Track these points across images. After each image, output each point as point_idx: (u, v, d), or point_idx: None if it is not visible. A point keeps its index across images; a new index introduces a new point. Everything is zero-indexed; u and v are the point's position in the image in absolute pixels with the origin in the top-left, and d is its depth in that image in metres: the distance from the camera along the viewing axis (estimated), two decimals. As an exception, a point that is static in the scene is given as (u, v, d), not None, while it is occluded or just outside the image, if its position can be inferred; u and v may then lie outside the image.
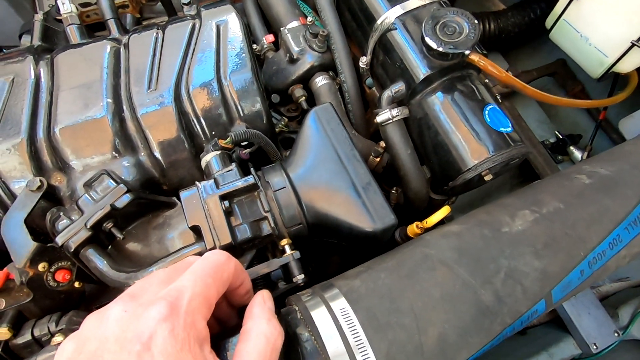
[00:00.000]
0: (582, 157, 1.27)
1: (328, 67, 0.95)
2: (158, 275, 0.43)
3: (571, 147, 1.30)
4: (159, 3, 1.31)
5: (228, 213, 0.63)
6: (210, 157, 0.68)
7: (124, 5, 1.25)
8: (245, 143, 0.77)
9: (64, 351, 0.37)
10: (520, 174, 1.43)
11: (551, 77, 1.48)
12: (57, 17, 1.21)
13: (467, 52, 0.69)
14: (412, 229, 0.77)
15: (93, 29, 1.11)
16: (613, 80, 1.20)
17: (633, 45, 0.90)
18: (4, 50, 0.92)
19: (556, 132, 1.34)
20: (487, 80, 0.83)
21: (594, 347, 1.01)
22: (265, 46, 1.02)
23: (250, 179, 0.65)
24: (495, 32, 1.36)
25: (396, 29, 0.79)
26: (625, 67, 0.97)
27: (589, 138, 1.28)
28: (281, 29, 0.98)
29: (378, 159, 0.89)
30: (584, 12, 0.98)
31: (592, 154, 1.25)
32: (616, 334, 1.05)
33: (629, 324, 1.10)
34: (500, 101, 0.78)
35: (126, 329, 0.36)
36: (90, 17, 1.24)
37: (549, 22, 1.11)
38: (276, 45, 1.03)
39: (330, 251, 0.96)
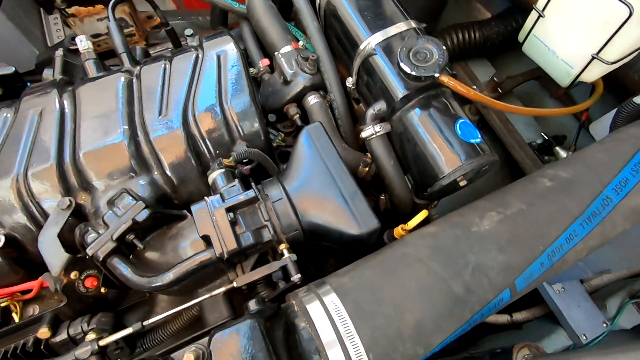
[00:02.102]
0: (567, 156, 1.30)
1: (319, 87, 1.05)
2: None
3: (557, 148, 1.36)
4: (163, 30, 1.42)
5: (233, 223, 0.72)
6: (216, 175, 0.78)
7: (131, 34, 1.37)
8: (246, 160, 0.87)
9: None
10: (510, 175, 1.51)
11: (536, 81, 1.56)
12: (70, 48, 1.33)
13: (436, 74, 0.79)
14: (398, 231, 0.86)
15: (103, 56, 1.22)
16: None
17: (593, 58, 1.00)
18: (28, 84, 1.02)
19: (542, 133, 1.40)
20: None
21: (584, 337, 1.09)
22: (261, 69, 1.12)
23: (251, 193, 0.74)
24: (480, 41, 1.45)
25: (376, 54, 0.89)
26: (589, 77, 1.06)
27: (573, 138, 1.34)
28: (275, 53, 1.09)
29: (367, 169, 0.99)
30: (550, 28, 1.08)
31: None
32: (605, 325, 1.12)
33: (617, 315, 1.18)
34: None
35: None
36: (100, 46, 1.36)
37: (520, 37, 1.21)
38: (271, 67, 1.13)
39: (327, 254, 1.05)
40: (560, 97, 1.57)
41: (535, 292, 1.15)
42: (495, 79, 1.33)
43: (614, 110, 1.19)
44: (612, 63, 0.98)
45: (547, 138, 1.39)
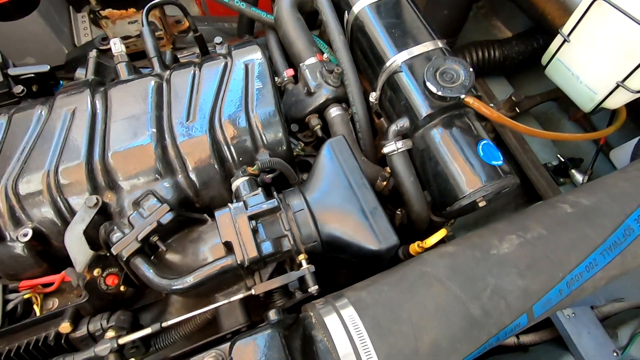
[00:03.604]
0: (582, 180, 1.30)
1: (341, 99, 1.07)
2: None
3: (572, 171, 1.35)
4: (190, 34, 1.46)
5: (254, 231, 0.74)
6: (239, 182, 0.80)
7: (159, 37, 1.41)
8: (269, 169, 0.89)
9: None
10: (524, 194, 1.50)
11: (554, 102, 1.56)
12: (101, 48, 1.37)
13: (462, 96, 0.80)
14: (414, 247, 0.86)
15: (132, 57, 1.25)
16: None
17: (618, 85, 1.00)
18: (61, 82, 1.06)
19: (558, 155, 1.40)
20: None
21: (593, 365, 1.07)
22: (285, 79, 1.14)
23: (273, 202, 0.76)
24: (499, 59, 1.46)
25: (402, 71, 0.91)
26: (612, 103, 1.06)
27: (590, 162, 1.33)
28: (300, 64, 1.11)
29: (385, 183, 1.00)
30: (575, 53, 1.09)
31: (592, 177, 1.30)
32: (615, 354, 1.10)
33: (628, 344, 1.16)
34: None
35: None
36: (129, 47, 1.39)
37: (544, 60, 1.21)
38: (295, 78, 1.16)
39: (340, 265, 1.06)
40: (578, 120, 1.56)
41: (544, 315, 1.14)
42: (513, 98, 1.33)
43: (637, 139, 1.18)
44: (638, 92, 0.98)
45: (563, 160, 1.38)
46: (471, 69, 0.80)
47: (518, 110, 1.38)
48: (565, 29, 1.07)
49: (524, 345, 1.17)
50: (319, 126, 1.07)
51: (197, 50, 1.29)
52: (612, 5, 0.92)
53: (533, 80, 1.61)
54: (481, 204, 0.86)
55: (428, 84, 0.81)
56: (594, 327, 1.15)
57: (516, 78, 1.62)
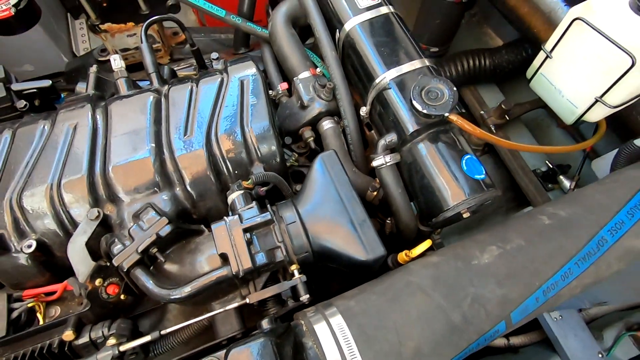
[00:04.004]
0: (570, 186, 1.36)
1: (333, 113, 1.11)
2: None
3: (561, 177, 1.39)
4: (187, 46, 1.49)
5: (249, 243, 0.78)
6: (235, 196, 0.84)
7: (157, 49, 1.44)
8: (262, 182, 0.93)
9: None
10: (514, 199, 1.55)
11: (544, 110, 1.60)
12: (100, 59, 1.41)
13: (446, 114, 0.85)
14: (402, 256, 0.91)
15: (130, 69, 1.29)
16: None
17: (597, 100, 1.05)
18: (62, 96, 1.09)
19: (547, 161, 1.44)
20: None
21: (580, 366, 1.11)
22: (280, 92, 1.18)
23: (267, 215, 0.80)
24: (490, 68, 1.51)
25: (391, 88, 0.95)
26: (592, 117, 1.11)
27: (577, 168, 1.38)
28: (294, 78, 1.15)
29: (375, 193, 1.04)
30: (557, 69, 1.14)
31: (579, 183, 1.35)
32: (600, 355, 1.15)
33: (613, 346, 1.20)
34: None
35: None
36: (128, 59, 1.43)
37: (529, 73, 1.26)
38: (290, 91, 1.20)
39: (331, 274, 1.10)
40: (566, 127, 1.60)
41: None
42: (503, 105, 1.37)
43: (616, 150, 1.23)
44: (615, 107, 1.03)
45: (551, 166, 1.42)
46: (455, 88, 0.85)
47: (508, 118, 1.42)
48: (548, 45, 1.12)
49: (514, 347, 1.22)
50: (312, 138, 1.11)
51: (194, 62, 1.34)
52: (590, 26, 0.97)
53: (523, 88, 1.64)
54: (465, 215, 0.90)
55: (414, 102, 0.86)
56: (580, 330, 1.19)
57: (507, 85, 1.67)
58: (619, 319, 1.25)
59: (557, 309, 1.20)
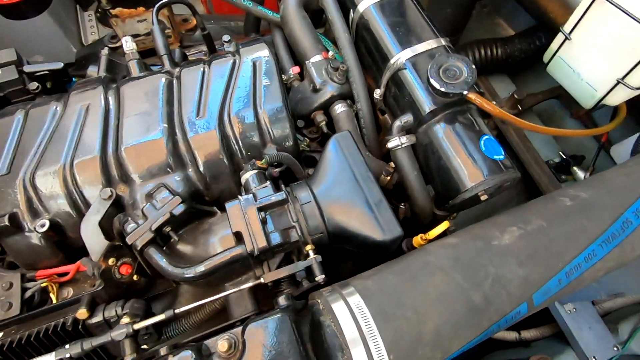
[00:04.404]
0: (584, 177, 1.32)
1: (346, 96, 1.09)
2: None
3: (574, 168, 1.36)
4: (197, 33, 1.48)
5: (263, 222, 0.76)
6: (249, 175, 0.83)
7: (167, 36, 1.43)
8: (276, 163, 0.91)
9: None
10: (526, 191, 1.52)
11: (557, 100, 1.57)
12: (111, 46, 1.40)
13: (465, 92, 0.82)
14: (417, 240, 0.89)
15: (142, 55, 1.28)
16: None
17: (618, 82, 1.02)
18: (74, 79, 1.09)
19: (560, 152, 1.41)
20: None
21: (593, 360, 1.09)
22: (292, 76, 1.17)
23: (282, 195, 0.78)
24: (502, 57, 1.48)
25: (406, 68, 0.93)
26: (613, 100, 1.08)
27: (592, 159, 1.35)
28: (306, 62, 1.13)
29: (389, 178, 1.02)
30: (577, 51, 1.11)
31: (594, 174, 1.29)
32: (615, 349, 1.12)
33: (629, 339, 1.17)
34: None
35: None
36: (139, 45, 1.42)
37: (546, 57, 1.23)
38: (301, 75, 1.18)
39: (346, 256, 1.08)
40: (580, 117, 1.57)
41: (546, 310, 1.16)
42: (515, 95, 1.34)
43: (637, 135, 1.20)
44: (637, 88, 1.00)
45: (565, 157, 1.39)
46: (473, 66, 0.83)
47: (520, 108, 1.39)
48: (567, 27, 1.09)
49: (525, 341, 1.19)
50: (324, 122, 1.10)
51: (205, 48, 1.32)
52: (613, 4, 0.94)
53: (535, 78, 1.62)
54: (483, 198, 0.88)
55: (431, 81, 0.83)
56: (594, 322, 1.16)
57: (519, 76, 1.64)
58: (635, 312, 1.23)
59: (571, 301, 1.17)
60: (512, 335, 1.18)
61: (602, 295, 1.23)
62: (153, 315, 0.77)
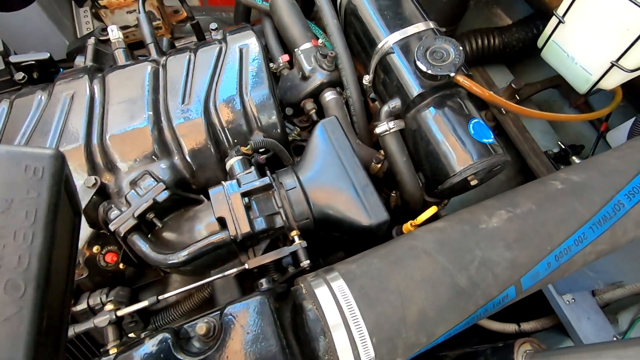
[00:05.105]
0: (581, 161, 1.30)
1: (336, 83, 1.08)
2: None
3: (573, 157, 1.32)
4: (188, 24, 1.47)
5: (247, 208, 0.75)
6: (233, 161, 0.82)
7: (158, 27, 1.43)
8: (263, 150, 0.90)
9: None
10: (524, 182, 1.50)
11: (556, 90, 1.54)
12: (101, 38, 1.39)
13: (452, 74, 0.81)
14: (407, 227, 0.87)
15: (131, 47, 1.28)
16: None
17: (613, 65, 1.00)
18: (62, 70, 1.08)
19: (559, 142, 1.38)
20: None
21: (593, 350, 1.07)
22: (281, 65, 1.15)
23: (266, 180, 0.77)
24: (499, 47, 1.45)
25: (394, 52, 0.91)
26: (608, 84, 1.06)
27: (591, 148, 1.32)
28: (295, 50, 1.12)
29: (379, 165, 1.01)
30: (570, 34, 1.08)
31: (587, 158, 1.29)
32: (615, 339, 1.10)
33: (628, 330, 1.16)
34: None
35: None
36: (128, 37, 1.42)
37: (540, 42, 1.21)
38: (291, 63, 1.17)
39: (336, 247, 1.07)
40: (579, 106, 1.54)
41: (545, 302, 1.14)
42: (513, 85, 1.32)
43: (632, 119, 1.18)
44: (632, 71, 0.98)
45: (564, 147, 1.36)
46: (461, 48, 0.81)
47: (518, 98, 1.37)
48: (560, 10, 1.07)
49: (524, 333, 1.18)
50: (314, 110, 1.08)
51: (195, 39, 1.31)
52: (605, -17, 0.92)
53: (533, 68, 1.60)
54: (473, 183, 0.87)
55: (418, 63, 0.82)
56: (593, 313, 1.15)
57: (516, 66, 1.61)
58: (635, 302, 1.21)
59: (569, 291, 1.15)
60: (511, 328, 1.17)
61: (600, 285, 1.22)
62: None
